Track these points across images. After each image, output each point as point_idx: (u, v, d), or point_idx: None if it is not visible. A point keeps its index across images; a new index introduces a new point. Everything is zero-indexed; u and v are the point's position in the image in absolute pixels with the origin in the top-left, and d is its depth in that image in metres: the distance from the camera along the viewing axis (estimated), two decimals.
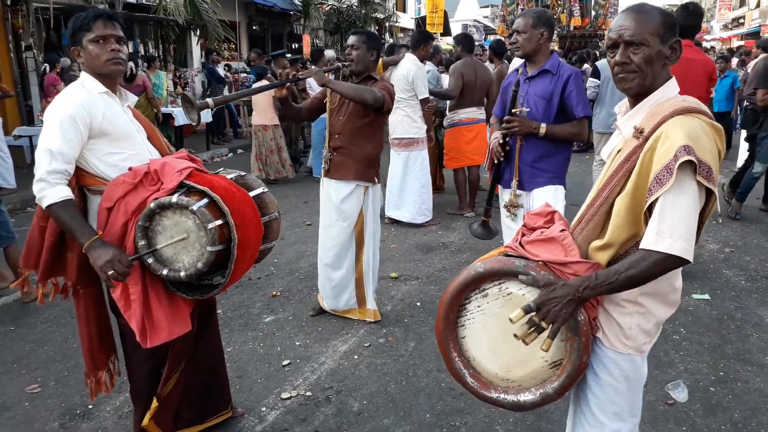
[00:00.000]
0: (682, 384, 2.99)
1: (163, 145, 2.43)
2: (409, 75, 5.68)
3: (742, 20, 32.35)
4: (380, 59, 6.64)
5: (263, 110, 7.98)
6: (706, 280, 4.43)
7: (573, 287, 1.48)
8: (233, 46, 16.33)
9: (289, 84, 3.18)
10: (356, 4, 20.82)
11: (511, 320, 1.51)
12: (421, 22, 19.70)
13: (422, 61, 5.89)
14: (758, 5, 28.89)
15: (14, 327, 3.87)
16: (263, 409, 2.88)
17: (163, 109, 9.16)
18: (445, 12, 18.92)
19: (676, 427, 2.70)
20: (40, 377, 3.22)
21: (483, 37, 30.55)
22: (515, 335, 1.54)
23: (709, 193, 1.47)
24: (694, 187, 1.43)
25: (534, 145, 3.16)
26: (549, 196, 3.17)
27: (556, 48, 14.89)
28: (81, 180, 2.19)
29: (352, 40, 3.57)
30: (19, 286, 2.43)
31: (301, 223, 6.18)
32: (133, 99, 2.38)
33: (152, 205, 2.05)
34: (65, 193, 2.06)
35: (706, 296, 4.13)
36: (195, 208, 2.02)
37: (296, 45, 19.41)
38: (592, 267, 1.57)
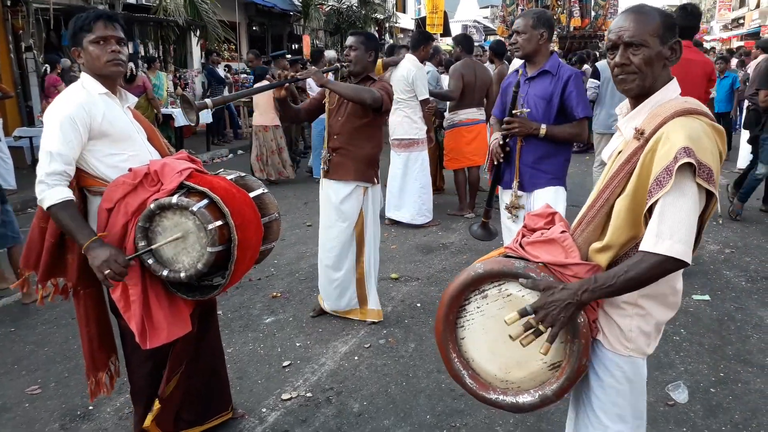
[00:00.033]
0: (683, 385, 2.99)
1: (163, 146, 2.43)
2: (408, 76, 5.68)
3: (741, 21, 32.36)
4: (380, 60, 6.65)
5: (264, 111, 7.99)
6: (707, 281, 4.43)
7: (571, 291, 1.48)
8: (233, 47, 16.33)
9: (287, 84, 3.18)
10: (356, 4, 20.82)
11: (506, 322, 1.51)
12: (421, 22, 19.74)
13: (422, 61, 5.89)
14: (758, 6, 28.90)
15: (14, 328, 3.87)
16: (263, 410, 2.88)
17: (163, 110, 9.16)
18: (445, 13, 18.94)
19: (676, 428, 2.70)
20: (40, 378, 3.22)
21: (483, 37, 30.56)
22: (510, 336, 1.54)
23: (709, 195, 1.46)
24: (693, 189, 1.42)
25: (534, 146, 3.16)
26: (549, 197, 3.17)
27: (556, 49, 14.89)
28: (81, 181, 2.19)
29: (350, 40, 3.58)
30: (19, 287, 2.43)
31: (302, 224, 6.18)
32: (133, 100, 2.38)
33: (152, 206, 2.05)
34: (64, 194, 2.06)
35: (707, 297, 4.13)
36: (195, 208, 2.03)
37: (296, 46, 19.41)
38: (592, 269, 1.57)
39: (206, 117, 10.06)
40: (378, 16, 21.98)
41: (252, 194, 2.32)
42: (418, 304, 4.10)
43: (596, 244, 1.59)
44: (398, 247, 5.38)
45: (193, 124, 2.72)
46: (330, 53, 10.11)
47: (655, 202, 1.44)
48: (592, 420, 1.68)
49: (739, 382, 3.06)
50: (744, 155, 8.19)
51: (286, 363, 3.31)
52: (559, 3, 16.45)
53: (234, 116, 12.50)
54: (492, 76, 6.49)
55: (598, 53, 12.53)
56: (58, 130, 2.07)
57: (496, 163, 3.24)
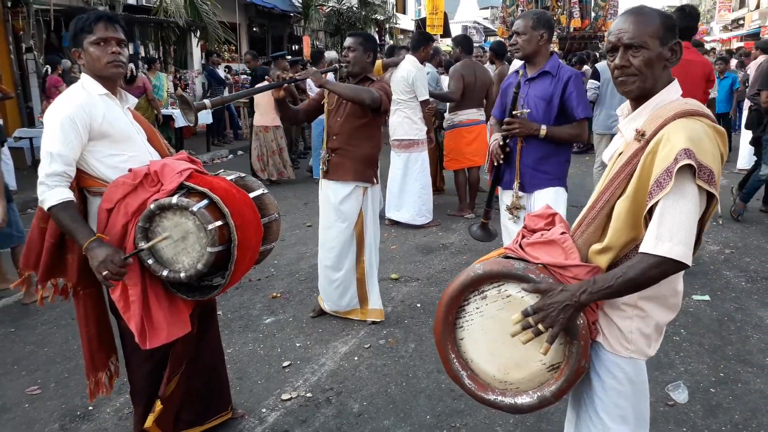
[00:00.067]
0: (683, 385, 2.99)
1: (163, 146, 2.43)
2: (409, 77, 5.69)
3: (741, 21, 32.37)
4: (379, 61, 6.66)
5: (265, 111, 8.00)
6: (707, 281, 4.43)
7: (570, 292, 1.48)
8: (233, 48, 16.34)
9: (286, 85, 3.19)
10: (356, 5, 20.83)
11: (513, 321, 1.51)
12: (420, 23, 19.73)
13: (422, 62, 5.90)
14: (758, 6, 28.91)
15: (14, 328, 3.87)
16: (263, 410, 2.88)
17: (164, 111, 9.17)
18: (445, 14, 18.93)
19: (676, 428, 2.70)
20: (40, 379, 3.22)
21: (483, 38, 30.58)
22: (510, 334, 1.54)
23: (710, 197, 1.46)
24: (694, 190, 1.42)
25: (534, 147, 3.15)
26: (550, 198, 3.17)
27: (555, 49, 14.89)
28: (81, 182, 2.19)
29: (348, 41, 3.58)
30: (20, 286, 2.43)
31: (302, 224, 6.19)
32: (133, 101, 2.38)
33: (152, 206, 2.05)
34: (64, 195, 2.06)
35: (707, 297, 4.13)
36: (195, 209, 2.03)
37: (296, 46, 19.43)
38: (592, 270, 1.56)
39: (206, 118, 10.06)
40: (378, 17, 21.99)
41: (252, 195, 2.33)
42: (418, 305, 4.10)
43: (596, 246, 1.59)
44: (398, 248, 5.38)
45: (191, 125, 2.72)
46: (331, 54, 10.11)
47: (655, 204, 1.43)
48: (595, 421, 1.67)
49: (739, 383, 3.06)
50: (744, 155, 8.21)
51: (286, 363, 3.32)
52: (559, 4, 16.45)
53: (234, 117, 12.51)
54: (491, 77, 6.49)
55: (598, 54, 12.53)
56: (58, 130, 2.07)
57: (496, 163, 3.24)
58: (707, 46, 19.63)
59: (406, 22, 27.73)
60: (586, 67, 9.93)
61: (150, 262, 2.09)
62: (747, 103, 7.97)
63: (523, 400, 1.61)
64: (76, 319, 2.39)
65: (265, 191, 2.43)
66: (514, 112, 3.12)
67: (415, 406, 2.89)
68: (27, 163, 8.44)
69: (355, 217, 3.66)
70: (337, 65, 3.68)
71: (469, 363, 1.69)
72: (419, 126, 5.87)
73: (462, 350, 1.70)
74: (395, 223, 6.04)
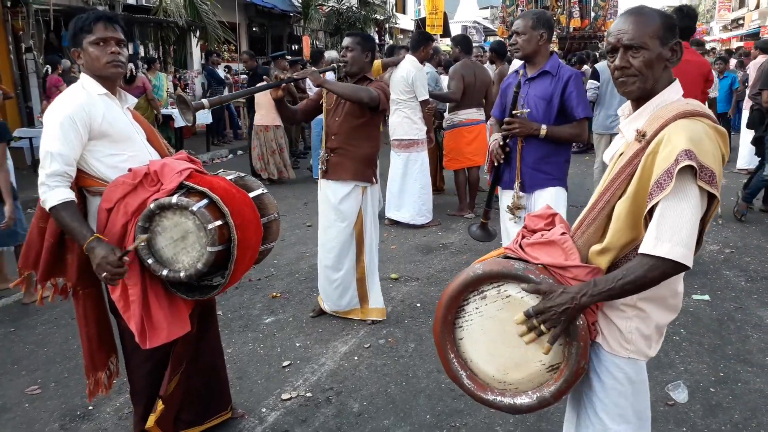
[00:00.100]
0: (683, 385, 2.99)
1: (162, 146, 2.43)
2: (408, 77, 5.69)
3: (741, 21, 32.38)
4: (379, 60, 6.66)
5: (266, 111, 7.99)
6: (707, 281, 4.43)
7: (571, 294, 1.48)
8: (233, 48, 16.35)
9: (284, 85, 3.18)
10: (356, 5, 20.83)
11: (515, 322, 1.51)
12: (420, 23, 19.73)
13: (422, 62, 5.90)
14: (758, 6, 28.91)
15: (14, 328, 3.87)
16: (263, 410, 2.88)
17: (163, 111, 9.16)
18: (445, 13, 18.93)
19: (676, 428, 2.70)
20: (40, 378, 3.22)
21: (483, 38, 30.58)
22: (517, 334, 1.54)
23: (711, 198, 1.45)
24: (695, 191, 1.41)
25: (535, 147, 3.15)
26: (550, 198, 3.16)
27: (555, 49, 14.90)
28: (80, 181, 2.19)
29: (346, 41, 3.59)
30: (19, 286, 2.43)
31: (301, 224, 6.19)
32: (132, 101, 2.38)
33: (152, 206, 2.05)
34: (65, 195, 2.06)
35: (706, 297, 4.13)
36: (195, 208, 2.03)
37: (296, 46, 19.42)
38: (593, 271, 1.56)
39: (206, 117, 10.06)
40: (378, 17, 21.98)
41: (251, 194, 2.33)
42: (418, 304, 4.10)
43: (596, 247, 1.59)
44: (398, 248, 5.38)
45: (189, 124, 2.72)
46: (331, 54, 10.11)
47: (656, 205, 1.43)
48: (594, 422, 1.67)
49: (738, 382, 3.06)
50: (743, 155, 8.20)
51: (285, 363, 3.32)
52: (559, 4, 16.45)
53: (234, 117, 12.51)
54: (491, 77, 6.49)
55: (597, 54, 12.53)
56: (58, 130, 2.07)
57: (496, 163, 3.24)
58: (707, 46, 19.63)
59: (406, 21, 27.72)
60: (585, 67, 9.93)
61: (150, 261, 2.09)
62: (747, 103, 7.98)
63: (522, 400, 1.61)
64: (75, 319, 2.39)
65: (265, 191, 2.43)
66: (514, 112, 3.12)
67: (415, 406, 2.89)
68: (27, 163, 8.43)
69: (354, 216, 3.65)
70: (335, 65, 3.68)
71: (468, 363, 1.69)
72: (419, 126, 5.87)
73: (461, 350, 1.70)
74: (395, 223, 6.04)
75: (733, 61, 12.73)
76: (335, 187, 3.61)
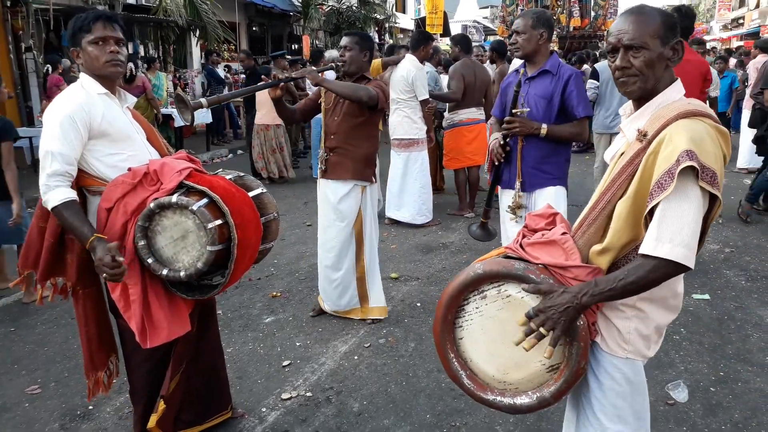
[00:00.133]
0: (683, 384, 2.99)
1: (162, 146, 2.43)
2: (408, 76, 5.68)
3: (741, 21, 32.37)
4: (379, 59, 6.66)
5: (267, 110, 7.99)
6: (707, 280, 4.43)
7: (572, 294, 1.47)
8: (233, 48, 16.34)
9: (283, 84, 3.18)
10: (356, 4, 20.82)
11: (518, 324, 1.51)
12: (420, 23, 19.72)
13: (422, 62, 5.89)
14: (758, 5, 28.91)
15: (14, 328, 3.87)
16: (263, 409, 2.88)
17: (163, 110, 9.15)
18: (445, 13, 18.93)
19: (676, 428, 2.70)
20: (40, 378, 3.22)
21: (483, 37, 30.58)
22: (514, 343, 1.53)
23: (713, 198, 1.44)
24: (696, 192, 1.41)
25: (535, 147, 3.15)
26: (551, 198, 3.16)
27: (555, 48, 14.88)
28: (80, 181, 2.19)
29: (344, 41, 3.58)
30: (19, 285, 2.43)
31: (301, 223, 6.19)
32: (132, 100, 2.38)
33: (152, 205, 2.05)
34: (66, 194, 2.06)
35: (707, 296, 4.13)
36: (195, 207, 2.03)
37: (296, 46, 19.41)
38: (593, 271, 1.55)
39: (206, 117, 10.06)
40: (378, 17, 21.97)
41: (251, 194, 2.33)
42: (418, 304, 4.10)
43: (597, 247, 1.58)
44: (398, 247, 5.38)
45: (188, 123, 2.72)
46: (332, 53, 10.11)
47: (656, 205, 1.42)
48: (593, 422, 1.67)
49: (739, 381, 3.06)
50: (744, 154, 8.20)
51: (285, 362, 3.31)
52: (559, 3, 16.46)
53: (234, 116, 12.51)
54: (490, 76, 6.49)
55: (597, 53, 12.53)
56: (58, 129, 2.07)
57: (496, 163, 3.24)
58: (707, 46, 19.61)
59: (406, 21, 27.72)
60: (585, 67, 9.92)
61: (150, 261, 2.09)
62: (747, 103, 7.97)
63: (522, 400, 1.60)
64: (75, 319, 2.39)
65: (264, 190, 2.43)
66: (513, 111, 3.12)
67: (415, 406, 2.89)
68: (27, 163, 8.43)
69: (354, 216, 3.65)
70: (333, 64, 3.68)
71: (468, 363, 1.69)
72: (419, 125, 5.87)
73: (461, 350, 1.69)
74: (395, 223, 6.04)
75: (732, 61, 12.72)
76: (335, 187, 3.61)
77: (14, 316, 4.04)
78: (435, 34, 15.78)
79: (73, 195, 2.08)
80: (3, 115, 4.34)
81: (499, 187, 3.39)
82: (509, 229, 3.33)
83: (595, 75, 6.04)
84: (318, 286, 3.89)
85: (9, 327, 3.88)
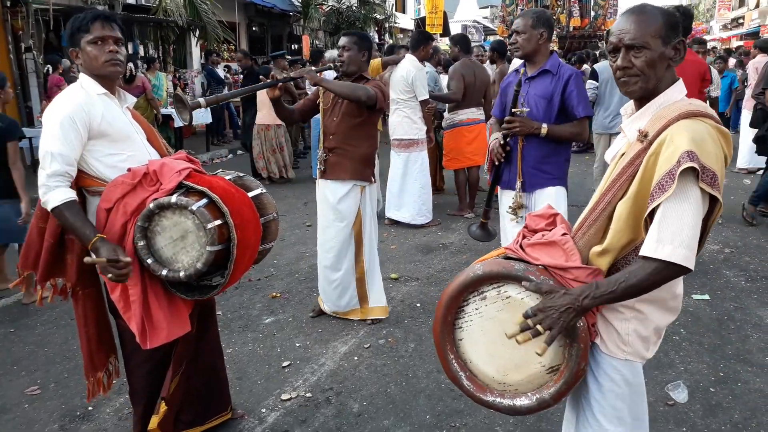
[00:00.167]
0: (682, 384, 2.98)
1: (162, 146, 2.43)
2: (408, 76, 5.68)
3: (741, 20, 32.37)
4: (378, 59, 6.65)
5: (268, 110, 7.98)
6: (706, 281, 4.43)
7: (573, 296, 1.46)
8: (233, 47, 16.34)
9: (281, 84, 3.18)
10: (356, 4, 20.82)
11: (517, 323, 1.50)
12: (420, 22, 19.71)
13: (422, 62, 5.89)
14: (757, 5, 28.92)
15: (14, 329, 3.86)
16: (263, 410, 2.88)
17: (163, 111, 9.15)
18: (445, 13, 18.92)
19: (675, 428, 2.70)
20: (39, 379, 3.21)
21: (483, 37, 30.57)
22: (506, 335, 1.53)
23: (713, 200, 1.44)
24: (696, 193, 1.40)
25: (535, 146, 3.15)
26: (551, 198, 3.16)
27: (555, 48, 14.88)
28: (80, 181, 2.19)
29: (343, 41, 3.58)
30: (19, 286, 2.42)
31: (301, 224, 6.19)
32: (132, 100, 2.38)
33: (151, 205, 2.05)
34: (67, 195, 2.06)
35: (706, 297, 4.13)
36: (194, 208, 2.03)
37: (296, 46, 19.41)
38: (593, 273, 1.55)
39: (206, 117, 10.05)
40: (377, 17, 21.97)
41: (250, 194, 2.32)
42: (418, 304, 4.10)
43: (597, 248, 1.58)
44: (398, 247, 5.38)
45: (186, 123, 2.72)
46: (332, 53, 10.11)
47: (657, 207, 1.41)
48: (592, 423, 1.66)
49: (738, 382, 3.06)
50: (744, 155, 8.19)
51: (285, 363, 3.31)
52: (559, 3, 16.45)
53: (234, 116, 12.51)
54: (489, 76, 6.49)
55: (597, 53, 12.52)
56: (58, 130, 2.07)
57: (496, 163, 3.24)
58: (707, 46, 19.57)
59: (406, 21, 27.72)
60: (585, 67, 9.92)
61: (149, 261, 2.09)
62: (747, 103, 7.97)
63: (522, 402, 1.60)
64: (75, 319, 2.39)
65: (264, 191, 2.43)
66: (513, 110, 3.12)
67: (415, 406, 2.89)
68: (26, 163, 8.42)
69: (353, 216, 3.65)
70: (331, 64, 3.68)
71: (467, 364, 1.68)
72: (419, 125, 5.86)
73: (461, 351, 1.69)
74: (395, 223, 6.04)
75: (732, 61, 12.71)
76: (334, 187, 3.60)
77: (14, 317, 4.04)
78: (435, 34, 15.78)
79: (73, 195, 2.08)
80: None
81: (498, 188, 3.39)
82: (509, 229, 3.33)
83: (594, 75, 6.04)
84: (318, 287, 3.89)
85: (9, 328, 3.87)
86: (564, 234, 1.63)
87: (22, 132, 4.29)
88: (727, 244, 5.28)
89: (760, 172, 5.86)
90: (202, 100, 2.61)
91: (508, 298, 1.58)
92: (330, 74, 4.60)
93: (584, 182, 7.35)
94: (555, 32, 13.51)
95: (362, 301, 3.78)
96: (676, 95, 1.56)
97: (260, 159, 8.15)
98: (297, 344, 3.55)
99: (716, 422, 2.73)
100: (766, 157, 5.98)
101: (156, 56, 12.76)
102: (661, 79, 1.55)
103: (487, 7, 40.04)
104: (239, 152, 10.96)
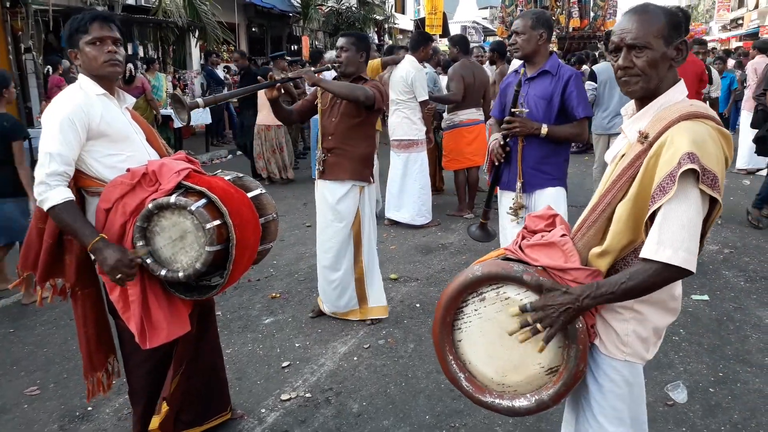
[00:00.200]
0: (682, 385, 2.99)
1: (161, 146, 2.43)
2: (408, 77, 5.68)
3: (740, 21, 32.40)
4: (378, 59, 6.66)
5: (269, 110, 7.96)
6: (706, 281, 4.43)
7: (573, 296, 1.46)
8: (232, 48, 16.35)
9: (281, 85, 3.18)
10: (355, 5, 20.81)
11: (510, 313, 1.50)
12: (420, 23, 19.72)
13: (421, 62, 5.89)
14: (757, 6, 28.94)
15: (13, 329, 3.86)
16: (263, 410, 2.88)
17: (162, 111, 9.16)
18: (444, 13, 18.92)
19: (675, 428, 2.70)
20: (39, 379, 3.21)
21: (482, 38, 30.58)
22: (507, 331, 1.53)
23: (713, 201, 1.44)
24: (697, 195, 1.40)
25: (535, 147, 3.15)
26: (551, 198, 3.16)
27: (554, 49, 14.88)
28: (79, 182, 2.19)
29: (341, 42, 3.59)
30: (19, 287, 2.43)
31: (301, 224, 6.19)
32: (131, 100, 2.38)
33: (150, 205, 2.05)
34: (66, 194, 2.06)
35: (706, 297, 4.13)
36: (193, 208, 2.03)
37: (295, 47, 19.41)
38: (592, 274, 1.55)
39: (205, 118, 10.05)
40: (377, 17, 21.96)
41: (250, 194, 2.32)
42: (418, 305, 4.10)
43: (596, 249, 1.57)
44: (397, 248, 5.38)
45: (184, 123, 2.72)
46: (332, 54, 10.11)
47: (658, 209, 1.41)
48: (592, 424, 1.66)
49: (738, 382, 3.06)
50: (743, 155, 8.20)
51: (285, 363, 3.31)
52: (558, 4, 16.44)
53: (233, 117, 12.49)
54: (488, 77, 6.49)
55: (597, 54, 12.53)
56: (57, 131, 2.07)
57: (496, 163, 3.24)
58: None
59: (405, 22, 27.71)
60: (585, 67, 9.92)
61: (148, 261, 2.09)
62: (746, 104, 7.97)
63: (521, 403, 1.60)
64: (74, 320, 2.39)
65: (263, 191, 2.43)
66: (512, 110, 3.12)
67: (415, 407, 2.89)
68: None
69: (352, 216, 3.65)
70: (329, 65, 3.68)
71: (466, 365, 1.68)
72: (418, 126, 5.87)
73: (460, 352, 1.69)
74: (395, 224, 6.04)
75: (731, 62, 12.72)
76: (333, 187, 3.61)
77: (13, 317, 4.04)
78: (434, 34, 15.79)
79: (72, 196, 2.08)
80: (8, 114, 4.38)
81: (498, 188, 3.39)
82: (508, 230, 3.33)
83: (592, 77, 6.04)
84: (317, 287, 3.89)
85: (8, 328, 3.87)
86: (563, 235, 1.63)
87: (27, 132, 4.31)
88: (727, 244, 5.29)
89: (761, 172, 5.85)
90: (200, 100, 2.61)
91: (507, 299, 1.58)
92: (329, 75, 4.61)
93: (584, 183, 7.35)
94: (554, 33, 13.53)
95: (361, 301, 3.78)
96: (677, 96, 1.55)
97: (260, 159, 8.16)
98: (297, 344, 3.55)
99: (716, 422, 2.74)
100: (766, 158, 5.96)
101: (155, 57, 12.76)
102: (662, 79, 1.54)
103: (486, 8, 40.04)
104: (239, 153, 10.96)
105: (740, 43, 24.34)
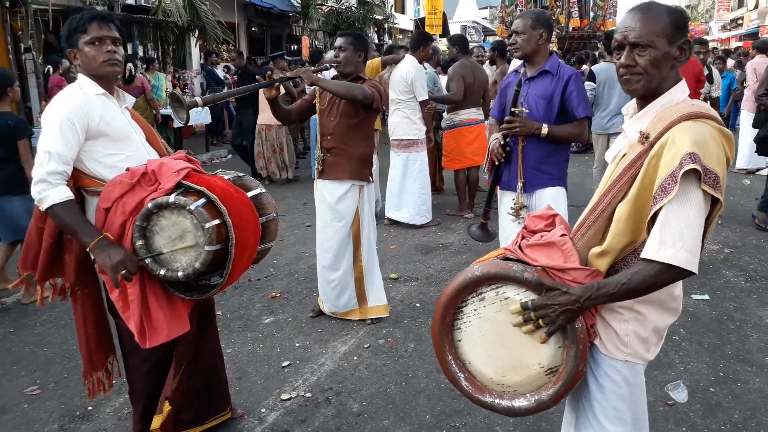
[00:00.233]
0: (682, 384, 2.99)
1: (161, 146, 2.43)
2: (408, 77, 5.68)
3: (740, 21, 32.40)
4: (378, 59, 6.66)
5: (269, 110, 7.97)
6: (706, 281, 4.43)
7: (574, 296, 1.46)
8: (232, 48, 16.34)
9: (278, 84, 3.18)
10: (355, 5, 20.82)
11: (511, 312, 1.51)
12: (419, 23, 19.72)
13: (421, 62, 5.89)
14: (756, 6, 28.94)
15: (13, 329, 3.86)
16: (263, 410, 2.88)
17: (162, 111, 9.15)
18: (444, 13, 18.93)
19: (675, 428, 2.70)
20: (39, 379, 3.21)
21: (482, 38, 30.58)
22: (512, 323, 1.54)
23: (714, 201, 1.43)
24: (699, 195, 1.40)
25: (536, 147, 3.15)
26: (551, 198, 3.16)
27: (554, 49, 14.88)
28: (78, 181, 2.19)
29: (339, 41, 3.59)
30: (19, 286, 2.42)
31: (301, 224, 6.18)
32: (130, 100, 2.38)
33: (150, 205, 2.05)
34: (66, 193, 2.06)
35: (706, 297, 4.13)
36: (192, 207, 2.02)
37: (295, 46, 19.41)
38: (592, 274, 1.54)
39: (205, 117, 10.04)
40: (377, 17, 21.97)
41: (250, 194, 2.32)
42: (418, 304, 4.10)
43: (596, 249, 1.57)
44: (397, 248, 5.38)
45: (183, 123, 2.72)
46: (332, 54, 10.11)
47: (659, 209, 1.41)
48: (593, 424, 1.66)
49: (738, 382, 3.06)
50: (743, 155, 8.20)
51: (285, 363, 3.31)
52: (558, 3, 16.43)
53: (233, 117, 12.50)
54: (488, 76, 6.49)
55: (597, 54, 12.52)
56: (56, 130, 2.07)
57: (497, 163, 3.24)
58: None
59: (405, 21, 27.72)
60: (585, 67, 9.92)
61: (148, 261, 2.09)
62: (746, 104, 7.97)
63: (521, 403, 1.60)
64: (74, 319, 2.39)
65: (263, 191, 2.43)
66: (512, 110, 3.12)
67: (415, 406, 2.89)
68: None
69: (351, 216, 3.65)
70: (328, 65, 3.68)
71: (466, 365, 1.68)
72: (418, 126, 5.87)
73: (459, 352, 1.68)
74: (395, 223, 6.04)
75: (731, 62, 12.72)
76: (332, 187, 3.61)
77: (14, 317, 4.04)
78: (434, 34, 15.79)
79: (72, 195, 2.08)
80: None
81: (498, 188, 3.39)
82: (508, 229, 3.33)
83: (591, 77, 6.04)
84: (317, 287, 3.89)
85: (8, 328, 3.87)
86: (563, 235, 1.63)
87: (31, 130, 4.32)
88: (727, 244, 5.29)
89: (760, 172, 5.83)
90: (198, 99, 2.62)
91: (506, 299, 1.58)
92: (328, 74, 4.60)
93: (584, 182, 7.35)
94: (554, 33, 13.53)
95: (361, 301, 3.78)
96: (678, 96, 1.55)
97: (260, 159, 8.15)
98: (297, 344, 3.54)
99: (716, 422, 2.74)
100: (766, 158, 5.95)
101: (155, 57, 12.76)
102: (664, 78, 1.54)
103: (486, 7, 40.03)
104: None
105: (740, 43, 24.34)
